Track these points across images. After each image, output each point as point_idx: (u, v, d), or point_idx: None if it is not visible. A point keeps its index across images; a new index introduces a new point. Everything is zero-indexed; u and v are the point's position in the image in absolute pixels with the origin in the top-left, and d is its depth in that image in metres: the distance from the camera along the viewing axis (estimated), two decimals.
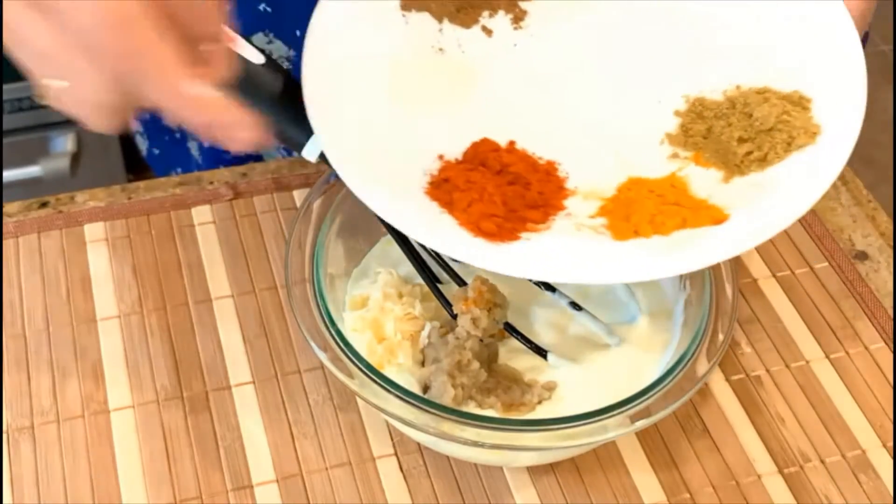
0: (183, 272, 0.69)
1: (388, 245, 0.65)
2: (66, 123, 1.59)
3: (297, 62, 0.77)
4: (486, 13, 0.61)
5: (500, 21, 0.62)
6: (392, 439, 0.62)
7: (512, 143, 0.57)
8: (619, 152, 0.57)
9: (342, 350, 0.56)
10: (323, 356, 0.56)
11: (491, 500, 0.60)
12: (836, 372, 0.66)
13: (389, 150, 0.56)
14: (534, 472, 0.61)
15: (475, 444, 0.54)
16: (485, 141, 0.57)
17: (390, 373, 0.58)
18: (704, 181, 0.55)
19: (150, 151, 0.94)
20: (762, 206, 0.52)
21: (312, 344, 0.57)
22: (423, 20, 0.61)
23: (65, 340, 0.66)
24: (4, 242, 0.70)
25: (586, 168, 0.56)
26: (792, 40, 0.58)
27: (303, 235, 0.61)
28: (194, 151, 0.90)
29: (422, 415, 0.54)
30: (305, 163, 0.74)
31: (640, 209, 0.53)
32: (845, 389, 0.65)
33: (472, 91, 0.59)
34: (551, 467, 0.61)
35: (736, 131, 0.56)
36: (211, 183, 0.75)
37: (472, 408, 0.58)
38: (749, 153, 0.55)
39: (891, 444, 0.63)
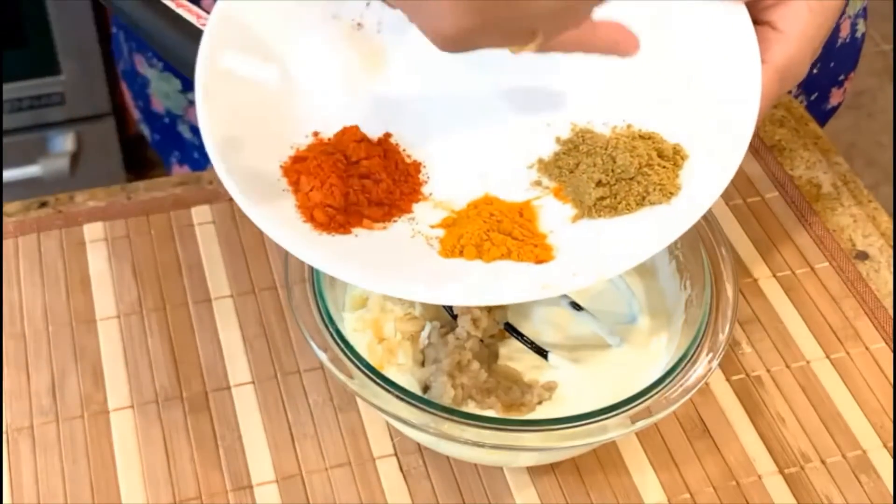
0: (182, 272, 0.69)
1: None
2: (66, 123, 1.59)
3: None
4: None
5: None
6: (392, 439, 0.62)
7: (388, 134, 0.56)
8: (486, 167, 0.56)
9: (342, 350, 0.56)
10: (323, 356, 0.56)
11: (491, 500, 0.60)
12: (836, 372, 0.66)
13: (270, 114, 0.55)
14: (534, 472, 0.61)
15: (475, 444, 0.54)
16: (353, 128, 0.55)
17: (390, 373, 0.58)
18: (555, 216, 0.54)
19: (153, 138, 0.95)
20: (584, 255, 0.51)
21: (312, 344, 0.57)
22: None
23: (64, 340, 0.66)
24: (4, 242, 0.70)
25: (448, 176, 0.55)
26: (695, 91, 0.56)
27: None
28: (186, 134, 0.90)
29: (422, 415, 0.54)
30: None
31: (473, 230, 0.52)
32: (846, 389, 0.65)
33: (373, 74, 0.58)
34: (551, 467, 0.61)
35: (597, 173, 0.54)
36: (211, 183, 0.74)
37: (472, 408, 0.58)
38: (602, 198, 0.54)
39: (891, 444, 0.63)
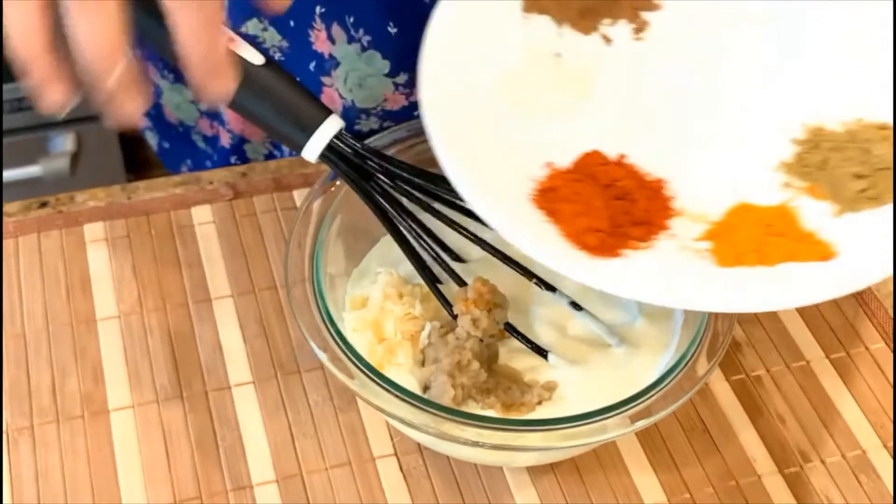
0: (183, 272, 0.69)
1: (388, 245, 0.65)
2: (66, 123, 1.59)
3: (289, 53, 0.77)
4: (607, 20, 0.60)
5: (620, 30, 0.61)
6: (392, 439, 0.62)
7: (622, 156, 0.56)
8: (731, 176, 0.56)
9: (342, 350, 0.56)
10: (323, 356, 0.56)
11: (491, 500, 0.60)
12: (836, 372, 0.66)
13: (499, 153, 0.55)
14: (534, 472, 0.61)
15: (475, 444, 0.54)
16: (595, 153, 0.55)
17: (390, 373, 0.58)
18: (815, 214, 0.53)
19: (160, 146, 0.95)
20: (871, 247, 0.51)
21: (312, 344, 0.57)
22: (543, 23, 0.60)
23: (64, 340, 0.66)
24: (4, 242, 0.70)
25: (695, 189, 0.55)
26: None
27: (303, 235, 0.61)
28: (200, 144, 0.90)
29: (422, 415, 0.54)
30: (305, 163, 0.74)
31: (746, 237, 0.52)
32: (845, 389, 0.65)
33: (587, 100, 0.58)
34: (551, 467, 0.61)
35: (853, 166, 0.54)
36: (211, 183, 0.74)
37: (472, 408, 0.58)
38: (863, 190, 0.53)
39: (891, 444, 0.63)
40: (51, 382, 0.64)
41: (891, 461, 0.62)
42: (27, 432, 0.61)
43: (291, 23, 0.77)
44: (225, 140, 0.87)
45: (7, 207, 0.72)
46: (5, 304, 0.67)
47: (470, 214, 0.60)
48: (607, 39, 0.60)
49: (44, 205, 0.73)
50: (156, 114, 0.92)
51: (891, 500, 0.61)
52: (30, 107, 1.55)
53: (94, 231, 0.71)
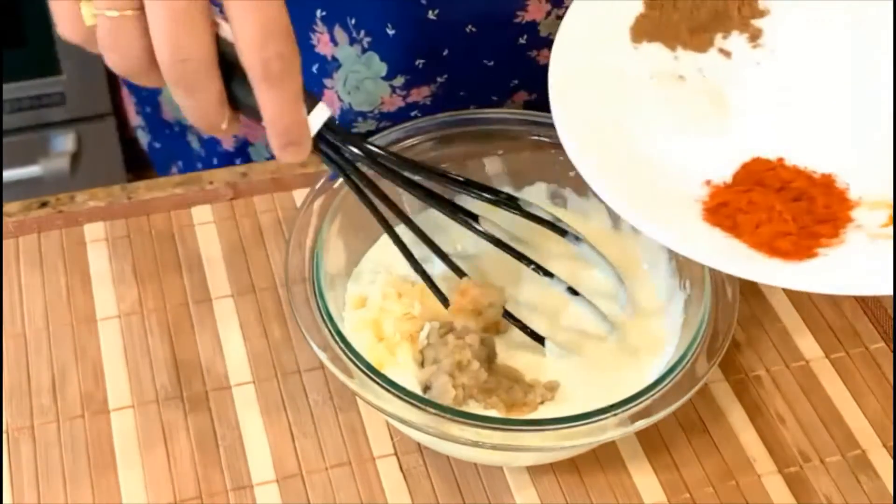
0: (183, 272, 0.69)
1: (388, 245, 0.65)
2: (67, 123, 1.59)
3: None
4: (719, 36, 0.60)
5: (735, 42, 0.60)
6: (392, 439, 0.62)
7: (781, 160, 0.55)
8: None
9: (342, 350, 0.56)
10: (323, 356, 0.56)
11: (491, 500, 0.60)
12: (836, 372, 0.66)
13: (654, 181, 0.55)
14: (534, 472, 0.61)
15: (475, 444, 0.54)
16: (757, 160, 0.55)
17: (390, 373, 0.58)
18: None
19: (150, 145, 0.94)
20: None
21: (312, 344, 0.57)
22: (656, 50, 0.60)
23: (65, 340, 0.66)
24: (4, 242, 0.70)
25: (867, 176, 0.55)
26: None
27: (303, 235, 0.61)
28: (195, 144, 0.90)
29: (422, 415, 0.54)
30: (305, 163, 0.74)
31: None
32: (845, 389, 0.65)
33: (725, 114, 0.58)
34: (551, 467, 0.61)
35: None
36: (211, 183, 0.74)
37: (473, 408, 0.58)
38: None
39: (891, 444, 0.63)
40: (51, 382, 0.64)
41: (891, 461, 0.62)
42: (27, 432, 0.61)
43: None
44: (228, 143, 0.87)
45: (7, 207, 0.72)
46: (5, 304, 0.67)
47: (468, 214, 0.60)
48: (726, 53, 0.60)
49: (44, 205, 0.73)
50: (151, 112, 0.92)
51: (891, 500, 0.61)
52: (30, 107, 1.55)
53: (94, 231, 0.71)
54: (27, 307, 0.67)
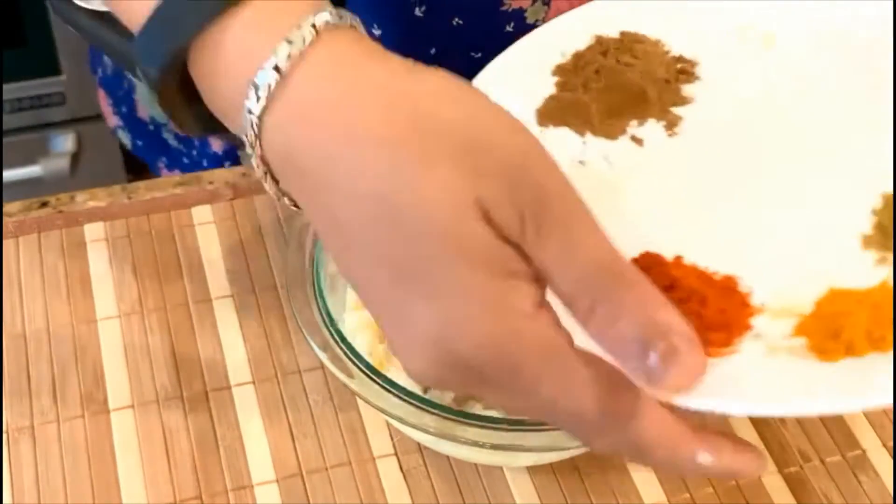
0: (183, 272, 0.69)
1: None
2: (66, 123, 1.59)
3: None
4: (634, 122, 0.56)
5: (650, 129, 0.56)
6: (392, 439, 0.62)
7: (678, 257, 0.49)
8: (812, 261, 0.49)
9: (342, 350, 0.56)
10: (323, 356, 0.56)
11: (491, 500, 0.60)
12: None
13: None
14: (534, 472, 0.61)
15: (475, 444, 0.54)
16: (647, 255, 0.49)
17: (390, 373, 0.58)
18: None
19: (134, 143, 0.94)
20: None
21: (312, 344, 0.57)
22: (562, 135, 0.55)
23: (64, 340, 0.66)
24: (4, 242, 0.70)
25: (774, 281, 0.49)
26: None
27: (303, 236, 0.61)
28: (172, 142, 0.89)
29: (422, 415, 0.54)
30: None
31: (851, 323, 0.45)
32: None
33: (623, 204, 0.53)
34: (551, 467, 0.61)
35: None
36: (211, 183, 0.74)
37: (475, 408, 0.58)
38: None
39: (891, 444, 0.63)
40: (51, 382, 0.64)
41: (891, 461, 0.62)
42: (27, 432, 0.61)
43: None
44: (217, 145, 0.86)
45: (7, 207, 0.72)
46: (5, 304, 0.67)
47: None
48: (637, 140, 0.56)
49: (44, 205, 0.73)
50: (127, 111, 0.91)
51: (891, 500, 0.61)
52: (30, 107, 1.55)
53: (94, 231, 0.71)
54: (27, 307, 0.67)
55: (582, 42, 0.57)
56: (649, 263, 0.48)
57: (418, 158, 0.39)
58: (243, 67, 0.40)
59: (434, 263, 0.39)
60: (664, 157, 0.55)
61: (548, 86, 0.56)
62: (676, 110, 0.56)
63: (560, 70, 0.57)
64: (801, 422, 0.63)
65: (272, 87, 0.39)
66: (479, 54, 0.77)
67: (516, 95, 0.54)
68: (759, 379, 0.44)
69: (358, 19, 0.42)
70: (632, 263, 0.42)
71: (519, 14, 0.75)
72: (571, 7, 0.71)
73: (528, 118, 0.55)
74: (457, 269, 0.39)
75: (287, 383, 0.64)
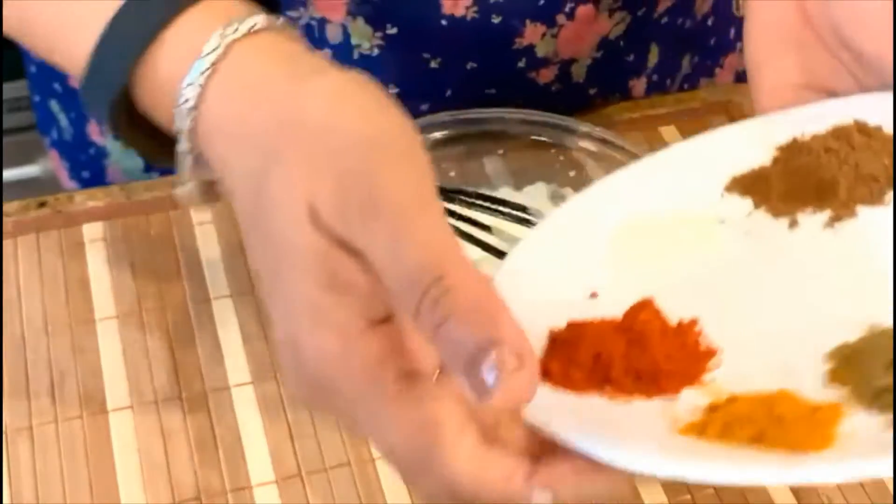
0: (182, 272, 0.69)
1: None
2: None
3: None
4: (809, 208, 0.54)
5: (816, 219, 0.54)
6: None
7: (691, 320, 0.49)
8: (784, 361, 0.48)
9: None
10: None
11: None
12: None
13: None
14: None
15: None
16: (647, 302, 0.49)
17: None
18: (865, 423, 0.45)
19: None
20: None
21: None
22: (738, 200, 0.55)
23: (63, 340, 0.65)
24: (3, 242, 0.70)
25: (742, 367, 0.48)
26: None
27: None
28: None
29: None
30: None
31: (747, 425, 0.44)
32: None
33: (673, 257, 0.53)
34: None
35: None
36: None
37: None
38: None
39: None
40: (49, 383, 0.63)
41: (891, 461, 0.62)
42: (27, 432, 0.61)
43: None
44: None
45: (6, 207, 0.72)
46: (4, 304, 0.67)
47: (467, 220, 0.60)
48: (794, 223, 0.55)
49: (43, 205, 0.73)
50: (91, 177, 0.87)
51: (891, 501, 0.60)
52: (30, 107, 1.55)
53: (93, 231, 0.71)
54: (26, 307, 0.67)
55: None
56: (641, 310, 0.49)
57: (276, 165, 0.40)
58: (170, 89, 0.43)
59: (279, 268, 0.40)
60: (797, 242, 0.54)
61: (765, 158, 0.56)
62: (860, 209, 0.54)
63: (779, 148, 0.56)
64: None
65: (193, 102, 0.42)
66: (494, 90, 0.77)
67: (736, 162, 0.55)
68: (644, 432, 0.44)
69: (282, 20, 0.44)
70: (469, 272, 0.39)
71: (529, 50, 0.75)
72: (578, 40, 0.72)
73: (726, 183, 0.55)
74: (292, 276, 0.39)
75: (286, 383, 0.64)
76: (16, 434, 0.61)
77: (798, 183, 0.55)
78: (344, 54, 0.73)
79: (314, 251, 0.39)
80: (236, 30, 0.42)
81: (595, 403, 0.45)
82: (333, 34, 0.73)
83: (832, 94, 0.57)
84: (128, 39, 0.44)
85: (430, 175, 0.39)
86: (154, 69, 0.44)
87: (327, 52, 0.74)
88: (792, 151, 0.56)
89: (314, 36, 0.73)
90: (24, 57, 0.91)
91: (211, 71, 0.42)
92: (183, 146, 0.43)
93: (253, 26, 0.43)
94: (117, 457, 0.60)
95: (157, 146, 0.47)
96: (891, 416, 0.44)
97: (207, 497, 0.59)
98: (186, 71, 0.42)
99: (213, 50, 0.42)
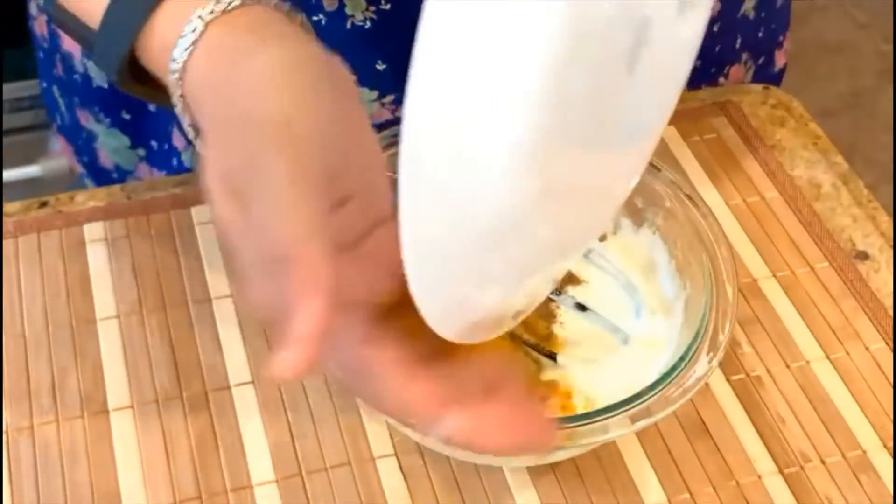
0: (183, 272, 0.69)
1: None
2: None
3: None
4: None
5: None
6: (392, 439, 0.62)
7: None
8: None
9: None
10: None
11: (491, 500, 0.60)
12: (836, 372, 0.66)
13: None
14: (534, 472, 0.61)
15: None
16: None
17: None
18: None
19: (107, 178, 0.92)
20: None
21: None
22: None
23: (64, 340, 0.66)
24: (4, 242, 0.70)
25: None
26: None
27: None
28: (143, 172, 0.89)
29: None
30: None
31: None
32: (845, 389, 0.65)
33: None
34: (551, 467, 0.61)
35: None
36: None
37: None
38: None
39: (891, 444, 0.63)
40: (51, 382, 0.64)
41: (891, 461, 0.62)
42: (27, 432, 0.61)
43: None
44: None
45: (7, 207, 0.72)
46: (5, 304, 0.67)
47: None
48: None
49: (44, 205, 0.73)
50: (89, 161, 0.90)
51: (891, 500, 0.61)
52: (30, 106, 1.55)
53: (93, 231, 0.71)
54: (27, 307, 0.67)
55: None
56: None
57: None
58: (162, 60, 0.51)
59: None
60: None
61: None
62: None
63: None
64: (801, 422, 0.63)
65: (179, 69, 0.50)
66: None
67: None
68: None
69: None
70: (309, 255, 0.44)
71: None
72: None
73: None
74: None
75: (287, 383, 0.64)
76: (16, 434, 0.61)
77: None
78: (337, 23, 0.73)
79: None
80: (212, 11, 0.49)
81: None
82: (329, 1, 0.73)
83: None
84: (127, 17, 0.52)
85: (312, 164, 0.45)
86: (150, 43, 0.51)
87: (321, 18, 0.73)
88: None
89: (311, 2, 0.72)
90: (33, 41, 0.93)
91: (192, 48, 0.49)
92: (178, 107, 0.51)
93: (229, 5, 0.50)
94: (118, 457, 0.61)
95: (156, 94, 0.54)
96: None
97: (208, 496, 0.59)
98: (171, 43, 0.50)
99: (193, 30, 0.49)
